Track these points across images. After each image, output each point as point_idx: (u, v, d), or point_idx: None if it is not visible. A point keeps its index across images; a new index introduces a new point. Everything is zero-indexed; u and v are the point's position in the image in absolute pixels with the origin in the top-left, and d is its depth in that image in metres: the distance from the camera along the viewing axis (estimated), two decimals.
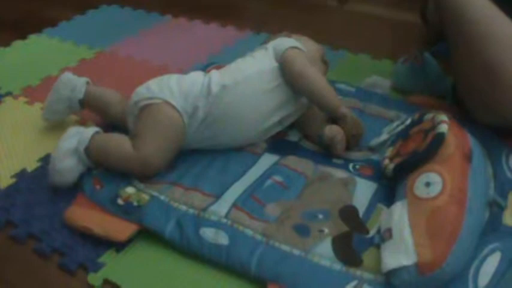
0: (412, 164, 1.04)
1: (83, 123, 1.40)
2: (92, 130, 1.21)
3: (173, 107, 1.19)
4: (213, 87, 1.21)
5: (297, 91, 1.24)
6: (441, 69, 1.43)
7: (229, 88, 1.21)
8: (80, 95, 1.35)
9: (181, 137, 1.20)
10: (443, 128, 1.05)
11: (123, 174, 1.19)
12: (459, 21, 1.17)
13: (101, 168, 1.21)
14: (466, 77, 1.20)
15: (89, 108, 1.38)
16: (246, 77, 1.23)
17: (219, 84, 1.21)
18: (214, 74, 1.25)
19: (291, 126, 1.31)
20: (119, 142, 1.19)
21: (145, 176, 1.17)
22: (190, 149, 1.24)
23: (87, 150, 1.18)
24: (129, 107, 1.23)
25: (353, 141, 1.24)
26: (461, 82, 1.25)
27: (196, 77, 1.25)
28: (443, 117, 1.09)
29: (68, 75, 1.38)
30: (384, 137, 1.24)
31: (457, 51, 1.22)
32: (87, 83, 1.37)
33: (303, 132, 1.31)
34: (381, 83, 1.51)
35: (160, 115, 1.19)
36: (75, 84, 1.36)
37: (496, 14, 1.14)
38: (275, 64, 1.25)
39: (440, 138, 1.04)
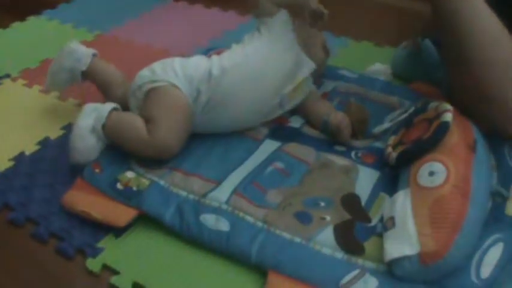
0: (416, 152, 1.03)
1: (81, 107, 1.38)
2: (108, 107, 1.20)
3: (179, 89, 1.18)
4: (213, 71, 1.20)
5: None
6: (440, 57, 1.41)
7: (228, 71, 1.20)
8: (84, 67, 1.33)
9: (191, 118, 1.19)
10: (448, 117, 1.04)
11: (123, 158, 1.18)
12: (463, 46, 1.10)
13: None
14: (462, 96, 1.15)
15: (90, 80, 1.36)
16: (243, 58, 1.22)
17: (219, 67, 1.20)
18: (215, 58, 1.24)
19: (293, 113, 1.30)
20: (134, 125, 1.17)
21: (163, 160, 1.16)
22: (191, 134, 1.22)
23: (104, 127, 1.17)
24: (132, 90, 1.22)
25: (358, 128, 1.23)
26: (456, 98, 1.20)
27: (199, 61, 1.24)
28: (448, 106, 1.08)
29: (74, 44, 1.36)
30: (387, 125, 1.23)
31: (452, 70, 1.18)
32: (94, 55, 1.35)
33: (306, 119, 1.30)
34: (383, 70, 1.50)
35: (169, 97, 1.18)
36: (81, 56, 1.34)
37: (502, 36, 1.09)
38: (268, 36, 1.24)
39: (445, 127, 1.03)
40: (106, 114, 1.18)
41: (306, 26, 1.30)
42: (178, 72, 1.20)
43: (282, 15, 1.24)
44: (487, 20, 1.08)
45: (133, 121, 1.18)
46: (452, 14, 1.09)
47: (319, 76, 1.39)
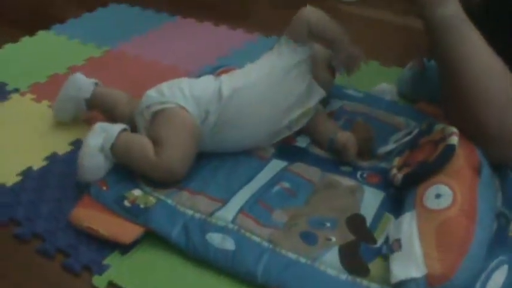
0: (421, 174, 1.04)
1: (90, 123, 1.39)
2: (118, 127, 1.20)
3: (186, 110, 1.19)
4: (224, 92, 1.20)
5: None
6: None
7: (239, 91, 1.21)
8: (87, 95, 1.35)
9: (198, 139, 1.20)
10: (454, 140, 1.05)
11: (130, 177, 1.18)
12: (457, 76, 1.09)
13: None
14: (457, 125, 1.12)
15: (95, 109, 1.38)
16: (256, 80, 1.23)
17: (229, 88, 1.21)
18: (225, 79, 1.24)
19: (300, 132, 1.31)
20: (142, 147, 1.18)
21: (170, 183, 1.17)
22: (198, 153, 1.22)
23: (112, 148, 1.18)
24: (139, 110, 1.23)
25: (364, 147, 1.24)
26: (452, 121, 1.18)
27: (208, 82, 1.25)
28: (454, 129, 1.08)
29: (77, 75, 1.39)
30: (391, 146, 1.24)
31: (447, 100, 1.17)
32: (96, 84, 1.37)
33: (312, 138, 1.31)
34: (389, 90, 1.51)
35: (176, 120, 1.18)
36: (83, 84, 1.36)
37: (497, 71, 1.07)
38: (285, 62, 1.25)
39: (451, 150, 1.03)
40: (115, 134, 1.18)
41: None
42: (186, 93, 1.21)
43: (307, 48, 1.26)
44: (482, 52, 1.08)
45: (142, 143, 1.19)
46: (446, 46, 1.09)
47: (326, 96, 1.39)
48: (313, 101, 1.28)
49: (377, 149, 1.25)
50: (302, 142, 1.30)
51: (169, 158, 1.15)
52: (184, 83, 1.24)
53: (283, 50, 1.26)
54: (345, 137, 1.22)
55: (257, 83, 1.23)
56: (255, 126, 1.23)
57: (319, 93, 1.29)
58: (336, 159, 1.24)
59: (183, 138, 1.17)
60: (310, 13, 1.25)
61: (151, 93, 1.23)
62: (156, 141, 1.17)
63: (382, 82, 1.55)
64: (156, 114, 1.20)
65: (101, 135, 1.19)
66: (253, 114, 1.22)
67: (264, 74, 1.24)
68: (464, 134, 1.08)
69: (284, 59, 1.25)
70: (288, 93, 1.24)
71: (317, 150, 1.28)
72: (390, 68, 1.68)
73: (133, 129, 1.26)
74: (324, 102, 1.39)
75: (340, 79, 1.49)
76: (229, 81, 1.23)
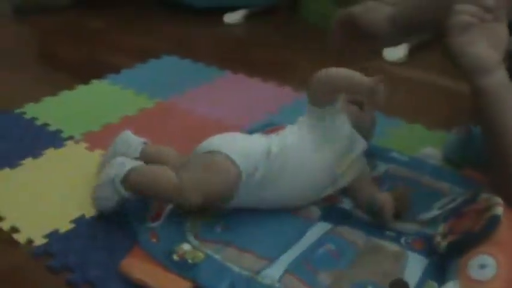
0: (466, 244, 1.05)
1: None
2: (132, 163, 1.27)
3: (233, 162, 1.21)
4: (273, 149, 1.24)
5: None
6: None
7: (285, 149, 1.24)
8: (136, 154, 1.40)
9: (230, 190, 1.21)
10: (499, 210, 1.06)
11: (179, 229, 1.21)
12: (502, 149, 1.13)
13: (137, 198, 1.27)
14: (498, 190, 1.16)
15: None
16: (300, 140, 1.26)
17: (278, 145, 1.25)
18: (274, 138, 1.28)
19: (345, 193, 1.33)
20: (162, 172, 1.24)
21: (180, 206, 1.23)
22: (242, 208, 1.25)
23: (125, 179, 1.23)
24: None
25: (401, 208, 1.25)
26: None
27: (258, 140, 1.29)
28: (499, 199, 1.09)
29: (127, 133, 1.44)
30: (435, 212, 1.25)
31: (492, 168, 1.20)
32: (144, 143, 1.42)
33: (353, 201, 1.32)
34: (434, 155, 1.52)
35: (216, 162, 1.21)
36: (132, 143, 1.42)
37: None
38: (328, 123, 1.27)
39: (495, 221, 1.04)
40: (127, 169, 1.24)
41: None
42: (236, 147, 1.24)
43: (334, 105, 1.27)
44: None
45: (161, 169, 1.25)
46: (491, 113, 1.12)
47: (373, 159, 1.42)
48: (355, 152, 1.28)
49: (419, 215, 1.26)
50: (348, 204, 1.32)
51: (185, 183, 1.19)
52: (237, 137, 1.30)
53: (313, 115, 1.28)
54: (383, 198, 1.24)
55: (299, 142, 1.26)
56: (300, 184, 1.25)
57: (361, 143, 1.29)
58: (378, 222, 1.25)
59: (211, 175, 1.20)
60: (326, 74, 1.26)
61: (203, 143, 1.27)
62: (185, 167, 1.23)
63: (426, 146, 1.56)
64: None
65: (115, 168, 1.26)
66: (297, 172, 1.24)
67: (304, 135, 1.27)
68: (509, 201, 1.09)
69: (319, 119, 1.28)
70: (331, 148, 1.26)
71: (361, 213, 1.29)
72: (435, 132, 1.69)
73: None
74: (371, 164, 1.42)
75: (385, 141, 1.51)
76: (277, 140, 1.27)
